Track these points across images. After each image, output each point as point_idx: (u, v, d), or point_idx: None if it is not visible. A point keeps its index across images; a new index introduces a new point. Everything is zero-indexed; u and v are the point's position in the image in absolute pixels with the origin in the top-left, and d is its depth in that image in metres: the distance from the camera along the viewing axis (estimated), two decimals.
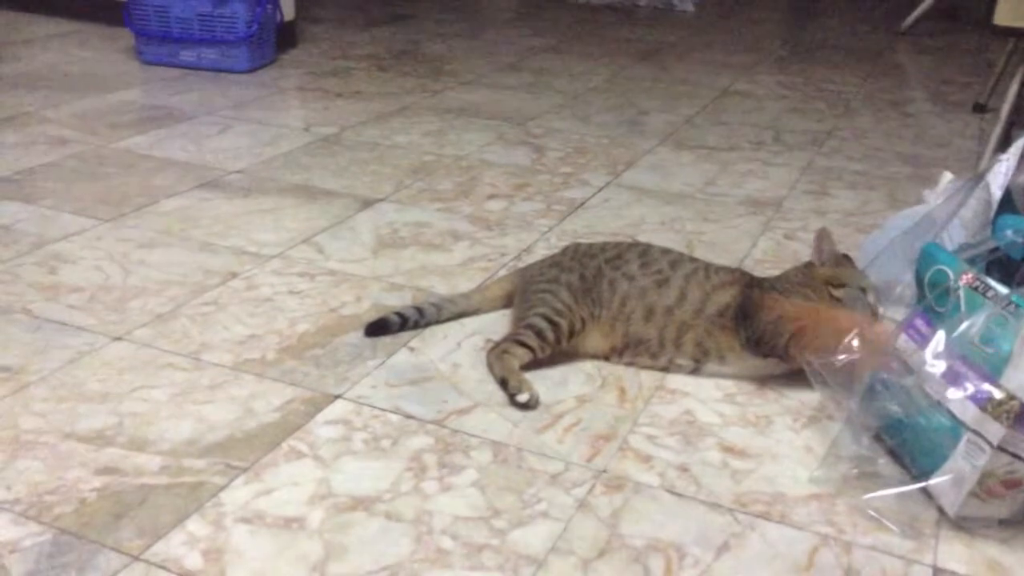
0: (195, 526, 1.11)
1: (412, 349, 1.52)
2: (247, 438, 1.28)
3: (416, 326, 1.58)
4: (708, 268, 1.53)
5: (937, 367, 1.17)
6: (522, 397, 1.36)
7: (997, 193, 1.37)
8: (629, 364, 1.49)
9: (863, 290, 1.42)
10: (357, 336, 1.55)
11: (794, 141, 2.70)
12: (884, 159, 2.57)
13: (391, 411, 1.35)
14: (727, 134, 2.75)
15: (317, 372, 1.44)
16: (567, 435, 1.31)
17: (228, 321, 1.58)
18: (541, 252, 1.85)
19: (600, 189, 2.27)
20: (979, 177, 1.42)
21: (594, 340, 1.50)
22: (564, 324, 1.47)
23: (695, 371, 1.47)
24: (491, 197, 2.18)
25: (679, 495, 1.20)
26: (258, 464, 1.23)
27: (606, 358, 1.50)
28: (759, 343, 1.41)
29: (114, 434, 1.28)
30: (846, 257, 1.52)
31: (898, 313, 1.36)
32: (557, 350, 1.47)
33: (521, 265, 1.76)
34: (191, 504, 1.15)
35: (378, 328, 1.56)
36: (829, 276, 1.47)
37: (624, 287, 1.50)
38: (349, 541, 1.10)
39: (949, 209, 1.43)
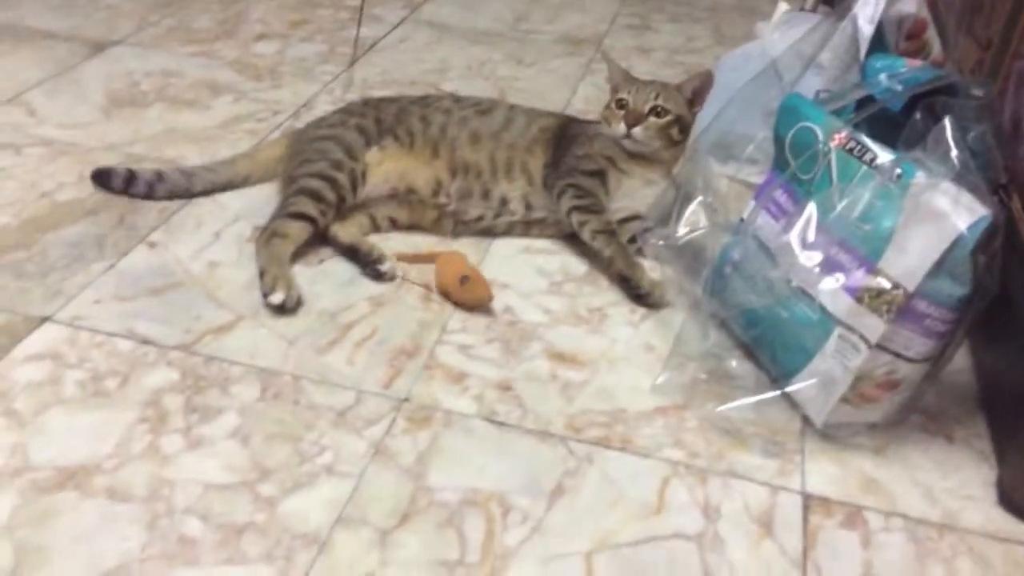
0: None
1: (152, 244, 1.17)
2: None
3: (151, 195, 1.25)
4: (528, 108, 1.36)
5: (812, 259, 0.95)
6: (275, 297, 1.07)
7: (867, 28, 1.14)
8: (459, 216, 1.25)
9: (623, 101, 1.23)
10: (77, 230, 1.18)
11: None
12: None
13: (121, 335, 1.02)
14: None
15: (17, 285, 1.08)
16: (359, 352, 1.04)
17: None
18: (324, 108, 1.50)
19: (395, 26, 1.91)
20: (843, 9, 1.18)
21: (416, 170, 1.24)
22: (343, 178, 1.20)
23: (526, 223, 1.26)
24: (261, 38, 1.79)
25: (500, 424, 0.96)
26: None
27: (435, 194, 1.24)
28: (558, 174, 1.23)
29: None
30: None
31: (752, 175, 1.14)
32: (345, 208, 1.20)
33: (300, 125, 1.41)
34: None
35: (102, 178, 1.26)
36: (615, 98, 1.25)
37: (440, 119, 1.28)
38: (51, 539, 0.79)
39: (807, 48, 1.20)
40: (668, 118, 1.21)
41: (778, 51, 1.39)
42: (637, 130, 1.20)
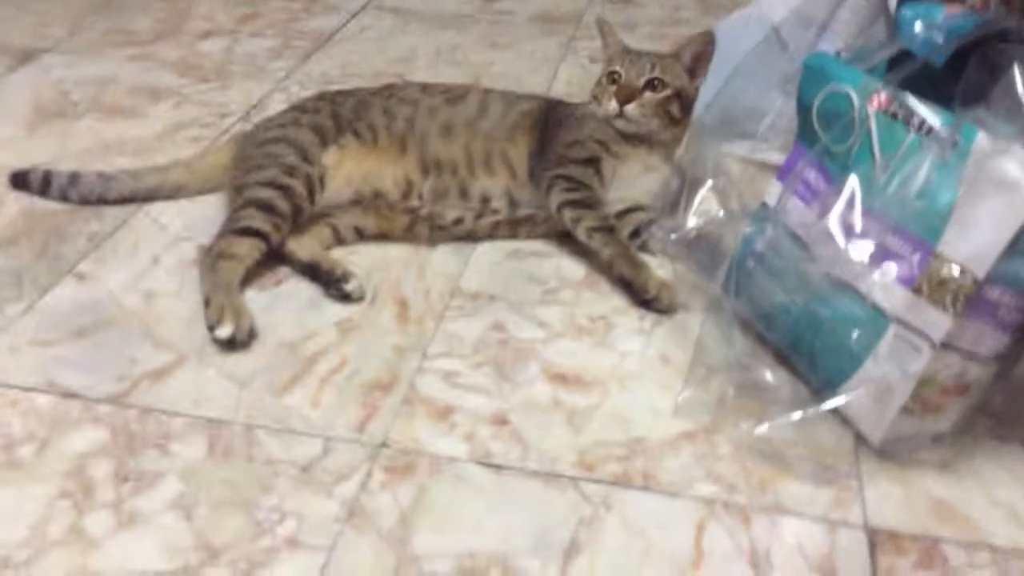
0: None
1: (81, 276, 1.01)
2: None
3: (65, 197, 1.13)
4: (506, 92, 1.20)
5: (855, 246, 0.80)
6: (222, 331, 0.91)
7: None
8: (434, 220, 1.08)
9: (615, 75, 1.08)
10: None
11: None
12: None
13: (39, 389, 0.86)
14: None
15: None
16: (325, 390, 0.88)
17: None
18: (277, 107, 1.34)
19: (354, 15, 1.75)
20: None
21: (382, 170, 1.08)
22: (298, 184, 1.04)
23: (512, 223, 1.10)
24: (206, 35, 1.62)
25: (497, 467, 0.80)
26: None
27: (405, 197, 1.08)
28: (544, 164, 1.07)
29: None
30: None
31: (770, 153, 0.99)
32: (302, 220, 1.04)
33: (250, 128, 1.25)
34: None
35: (19, 181, 1.14)
36: (606, 72, 1.10)
37: (406, 110, 1.12)
38: None
39: (816, 12, 1.04)
40: (666, 92, 1.05)
41: (778, 15, 1.25)
42: (631, 107, 1.05)
